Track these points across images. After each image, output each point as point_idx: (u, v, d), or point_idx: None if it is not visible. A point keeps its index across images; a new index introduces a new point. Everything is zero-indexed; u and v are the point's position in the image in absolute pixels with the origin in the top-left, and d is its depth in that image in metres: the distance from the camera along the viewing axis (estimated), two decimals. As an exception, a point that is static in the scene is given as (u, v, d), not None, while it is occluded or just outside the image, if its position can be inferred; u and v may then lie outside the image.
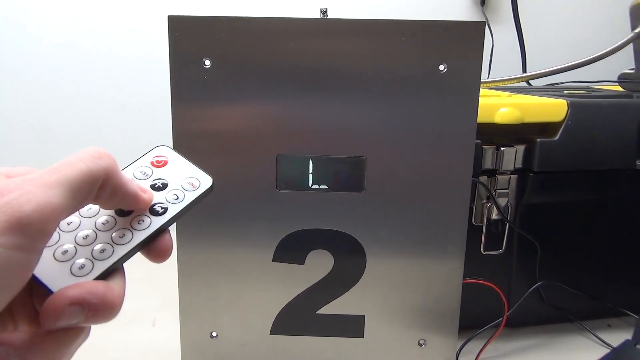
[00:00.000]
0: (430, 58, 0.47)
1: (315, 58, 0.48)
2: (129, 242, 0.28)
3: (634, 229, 0.66)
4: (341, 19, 0.47)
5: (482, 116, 0.56)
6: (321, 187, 0.51)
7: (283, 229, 0.52)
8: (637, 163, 0.59)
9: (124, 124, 1.00)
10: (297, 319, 0.54)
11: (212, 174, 0.49)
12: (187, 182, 0.32)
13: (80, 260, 0.27)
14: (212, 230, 0.52)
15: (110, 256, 0.27)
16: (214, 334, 0.55)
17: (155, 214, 0.30)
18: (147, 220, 0.29)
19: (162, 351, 0.61)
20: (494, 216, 0.59)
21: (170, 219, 0.30)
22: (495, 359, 0.61)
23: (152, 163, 0.33)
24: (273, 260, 0.53)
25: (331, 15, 0.52)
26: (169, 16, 0.47)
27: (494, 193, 0.59)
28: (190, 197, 0.31)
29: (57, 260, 0.26)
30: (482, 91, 0.71)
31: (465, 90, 0.48)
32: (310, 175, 0.51)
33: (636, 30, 0.70)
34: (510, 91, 0.73)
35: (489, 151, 0.58)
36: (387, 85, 0.48)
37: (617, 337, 0.61)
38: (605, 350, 0.61)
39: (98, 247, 0.27)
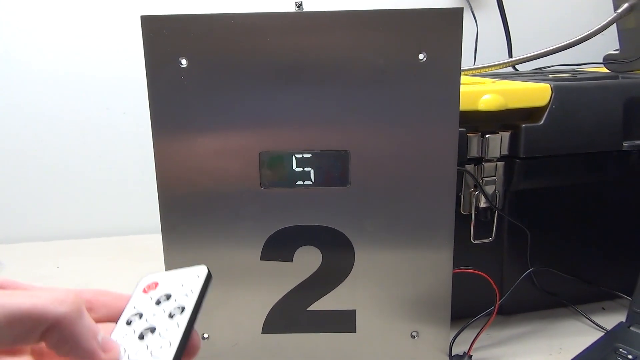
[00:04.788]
0: (409, 47, 0.47)
1: (292, 52, 0.47)
2: (169, 346, 0.28)
3: (623, 210, 0.65)
4: (317, 12, 0.47)
5: (466, 104, 0.55)
6: (306, 182, 0.50)
7: (269, 226, 0.52)
8: (624, 144, 0.59)
9: (109, 128, 0.99)
10: (288, 316, 0.54)
11: (202, 173, 0.49)
12: (186, 279, 0.32)
13: None
14: (198, 231, 0.52)
15: None
16: (206, 335, 0.55)
17: (173, 316, 0.30)
18: (172, 324, 0.29)
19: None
20: (482, 204, 0.59)
21: (192, 312, 0.30)
22: (489, 347, 0.61)
23: (144, 291, 0.33)
24: (261, 259, 0.52)
25: (307, 8, 0.51)
26: (142, 16, 0.46)
27: (481, 181, 0.58)
28: (197, 286, 0.31)
29: None
30: (466, 78, 0.70)
31: (446, 78, 0.48)
32: (294, 172, 0.50)
33: (618, 11, 0.69)
34: (496, 77, 0.72)
35: (474, 139, 0.57)
36: (367, 77, 0.48)
37: (612, 320, 0.60)
38: (599, 334, 0.61)
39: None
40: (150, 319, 0.30)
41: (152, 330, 0.29)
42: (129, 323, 0.30)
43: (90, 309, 0.30)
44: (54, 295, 0.26)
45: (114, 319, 0.31)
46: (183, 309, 0.30)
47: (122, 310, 0.31)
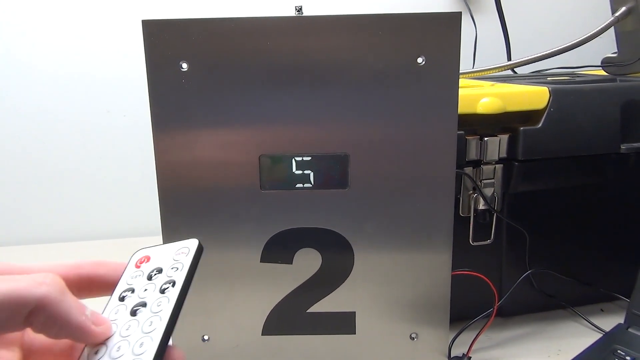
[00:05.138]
0: (408, 51, 0.47)
1: (292, 56, 0.47)
2: (159, 325, 0.28)
3: (622, 212, 0.66)
4: (317, 16, 0.47)
5: (465, 107, 0.56)
6: (305, 185, 0.51)
7: (269, 229, 0.52)
8: (622, 147, 0.59)
9: (110, 130, 0.99)
10: (288, 318, 0.54)
11: (202, 176, 0.50)
12: (177, 254, 0.32)
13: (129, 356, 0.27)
14: (198, 234, 0.52)
15: (147, 350, 0.27)
16: (206, 337, 0.55)
17: (164, 291, 0.30)
18: (162, 299, 0.29)
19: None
20: (481, 207, 0.59)
21: (182, 287, 0.30)
22: (488, 349, 0.61)
23: (137, 266, 0.33)
24: (261, 261, 0.53)
25: (306, 12, 0.51)
26: (143, 20, 0.47)
27: (479, 184, 0.59)
28: (187, 260, 0.31)
29: None
30: (465, 81, 0.71)
31: (445, 81, 0.48)
32: (294, 174, 0.51)
33: (616, 14, 0.70)
34: (494, 80, 0.73)
35: (472, 142, 0.58)
36: (366, 81, 0.48)
37: (610, 322, 0.61)
38: (598, 335, 0.61)
39: (137, 344, 0.27)
40: (142, 294, 0.30)
41: (144, 305, 0.29)
42: (121, 299, 0.31)
43: (90, 282, 0.31)
44: (32, 277, 0.26)
45: (110, 289, 0.31)
46: (174, 283, 0.30)
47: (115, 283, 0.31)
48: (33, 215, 1.02)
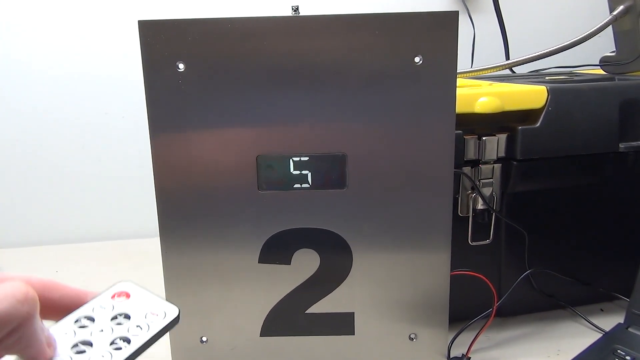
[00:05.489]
0: (405, 50, 0.47)
1: (289, 56, 0.47)
2: None
3: (620, 211, 0.66)
4: (313, 16, 0.47)
5: (463, 106, 0.56)
6: (303, 185, 0.51)
7: (267, 229, 0.52)
8: (620, 146, 0.59)
9: (108, 132, 0.99)
10: (287, 319, 0.54)
11: (200, 177, 0.49)
12: (151, 314, 0.30)
13: None
14: (196, 234, 0.52)
15: None
16: (204, 338, 0.55)
17: (117, 348, 0.28)
18: (107, 356, 0.27)
19: (153, 358, 0.61)
20: (480, 206, 0.59)
21: (134, 351, 0.28)
22: (488, 349, 0.61)
23: (113, 298, 0.31)
24: (259, 262, 0.52)
25: (303, 12, 0.51)
26: (139, 21, 0.47)
27: (478, 183, 0.58)
28: (155, 327, 0.30)
29: None
30: (463, 81, 0.70)
31: (442, 80, 0.48)
32: (292, 175, 0.50)
33: (614, 13, 0.70)
34: (493, 80, 0.73)
35: (471, 141, 0.57)
36: (364, 80, 0.48)
37: (610, 322, 0.60)
38: (598, 335, 0.61)
39: None
40: (95, 332, 0.29)
41: (90, 346, 0.28)
42: (77, 321, 0.29)
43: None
44: (14, 294, 0.24)
45: (57, 317, 0.29)
46: (129, 341, 0.28)
47: (67, 312, 0.29)
48: (32, 217, 1.02)
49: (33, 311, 0.24)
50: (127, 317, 0.30)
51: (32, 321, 0.25)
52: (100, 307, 0.30)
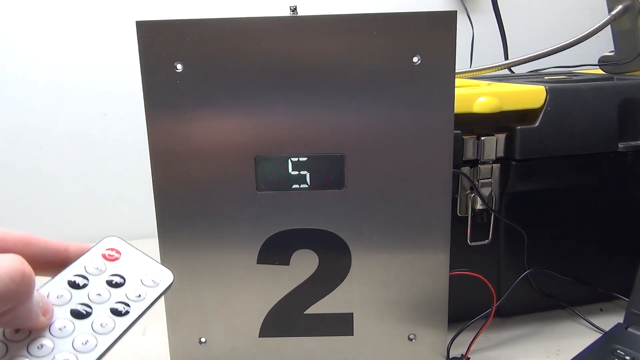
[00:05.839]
0: (404, 50, 0.47)
1: (287, 56, 0.47)
2: (93, 349, 0.25)
3: (620, 211, 0.65)
4: (311, 16, 0.47)
5: (461, 106, 0.56)
6: (301, 186, 0.51)
7: (266, 230, 0.52)
8: (619, 145, 0.59)
9: (107, 133, 0.99)
10: (286, 320, 0.54)
11: (198, 178, 0.49)
12: (147, 278, 0.30)
13: None
14: (194, 235, 0.52)
15: None
16: (203, 339, 0.55)
17: (118, 314, 0.27)
18: (110, 322, 0.27)
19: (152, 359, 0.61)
20: (479, 206, 0.59)
21: (135, 320, 0.28)
22: (487, 349, 0.61)
23: (104, 256, 0.30)
24: (258, 263, 0.52)
25: (301, 12, 0.51)
26: (137, 22, 0.47)
27: (477, 183, 0.58)
28: (152, 295, 0.29)
29: None
30: (462, 81, 0.70)
31: (441, 80, 0.48)
32: (290, 175, 0.50)
33: (613, 13, 0.70)
34: (492, 80, 0.73)
35: (469, 141, 0.57)
36: (362, 80, 0.48)
37: (610, 321, 0.60)
38: (597, 335, 0.61)
39: (60, 357, 0.25)
40: (93, 296, 0.28)
41: (88, 314, 0.27)
42: (70, 284, 0.28)
43: None
44: (10, 274, 0.23)
45: (39, 271, 0.27)
46: (128, 312, 0.28)
47: (48, 266, 0.28)
48: (30, 218, 1.02)
49: (29, 291, 0.24)
50: (122, 278, 0.29)
51: (28, 299, 0.24)
52: (92, 267, 0.29)
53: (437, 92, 0.48)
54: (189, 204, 0.51)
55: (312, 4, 0.92)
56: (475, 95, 0.56)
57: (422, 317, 0.54)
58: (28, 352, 0.24)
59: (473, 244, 0.61)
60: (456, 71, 0.48)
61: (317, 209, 0.51)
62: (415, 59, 0.47)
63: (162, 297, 0.30)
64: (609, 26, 0.72)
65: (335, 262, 0.52)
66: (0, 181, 0.99)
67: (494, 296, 0.57)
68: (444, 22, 0.47)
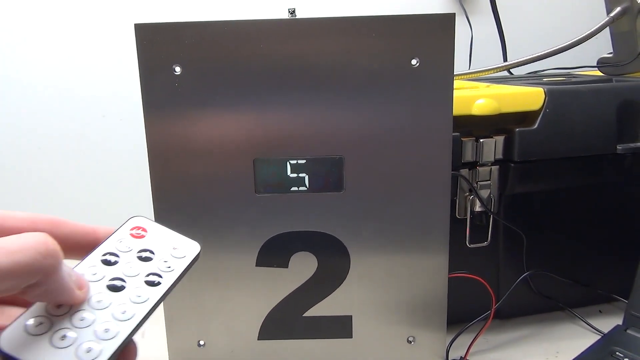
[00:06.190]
0: (402, 53, 0.47)
1: (286, 59, 0.47)
2: (132, 317, 0.27)
3: (618, 213, 0.65)
4: (310, 19, 0.47)
5: (460, 108, 0.56)
6: (300, 188, 0.50)
7: (264, 233, 0.52)
8: (618, 147, 0.59)
9: (106, 134, 0.99)
10: (284, 322, 0.54)
11: (196, 180, 0.49)
12: (175, 250, 0.31)
13: (86, 345, 0.25)
14: (193, 238, 0.51)
15: (115, 335, 0.26)
16: (202, 342, 0.54)
17: (151, 284, 0.28)
18: (145, 293, 0.28)
19: (151, 362, 0.61)
20: (478, 208, 0.59)
21: (167, 290, 0.29)
22: (486, 351, 0.61)
23: (132, 235, 0.31)
24: (256, 265, 0.52)
25: (299, 15, 0.51)
26: (135, 24, 0.47)
27: (475, 185, 0.58)
28: (181, 265, 0.30)
29: (56, 347, 0.24)
30: (460, 83, 0.70)
31: (439, 83, 0.48)
32: (289, 178, 0.50)
33: (611, 14, 0.70)
34: (490, 81, 0.73)
35: (468, 143, 0.57)
36: (360, 83, 0.48)
37: (609, 323, 0.60)
38: (596, 337, 0.61)
39: (101, 327, 0.26)
40: (126, 270, 0.29)
41: (122, 287, 0.28)
42: (103, 262, 0.29)
43: None
44: (36, 247, 0.23)
45: (69, 254, 0.28)
46: (159, 283, 0.29)
47: (79, 249, 0.29)
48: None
49: (56, 264, 0.24)
50: (151, 252, 0.30)
51: (57, 273, 0.24)
52: (122, 245, 0.30)
53: (436, 95, 0.48)
54: (188, 206, 0.51)
55: (311, 6, 0.93)
56: (474, 98, 0.56)
57: (421, 319, 0.54)
58: (72, 324, 0.25)
59: (472, 246, 0.61)
60: (455, 73, 0.48)
61: (316, 212, 0.51)
62: (413, 62, 0.47)
63: (189, 270, 0.31)
64: (607, 28, 0.72)
65: (334, 265, 0.52)
66: (-1, 183, 0.99)
67: (493, 298, 0.57)
68: (443, 25, 0.47)
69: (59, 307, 0.26)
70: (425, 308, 0.54)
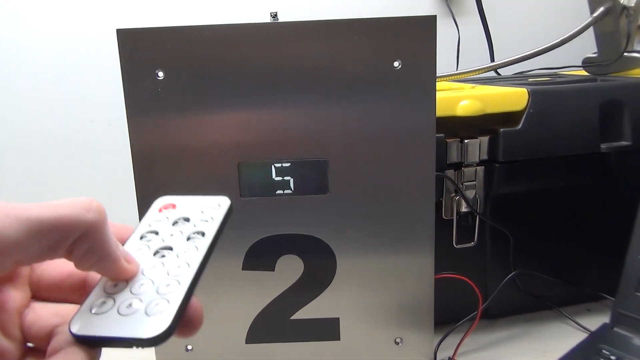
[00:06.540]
0: (384, 55, 0.47)
1: (269, 62, 0.47)
2: (188, 268, 0.27)
3: (604, 211, 0.66)
4: (292, 22, 0.47)
5: (444, 109, 0.56)
6: (285, 191, 0.51)
7: (250, 236, 0.52)
8: (602, 146, 0.60)
9: (95, 140, 0.99)
10: (272, 326, 0.54)
11: (181, 185, 0.49)
12: (207, 208, 0.31)
13: (154, 302, 0.25)
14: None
15: (178, 285, 0.26)
16: (189, 347, 0.54)
17: (197, 238, 0.29)
18: (192, 247, 0.28)
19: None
20: (464, 209, 0.59)
21: (212, 240, 0.29)
22: (475, 351, 0.61)
23: (159, 210, 0.31)
24: (243, 269, 0.52)
25: (282, 18, 0.51)
26: (117, 29, 0.47)
27: (461, 186, 0.59)
28: (218, 215, 0.30)
29: (125, 315, 0.25)
30: (446, 84, 0.71)
31: (422, 84, 0.48)
32: (274, 181, 0.50)
33: (594, 15, 0.70)
34: (477, 82, 0.73)
35: (453, 144, 0.58)
36: (344, 86, 0.48)
37: (597, 322, 0.60)
38: (584, 335, 0.61)
39: (162, 284, 0.26)
40: (167, 238, 0.29)
41: (169, 249, 0.28)
42: (142, 238, 0.29)
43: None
44: (78, 202, 0.24)
45: None
46: (203, 233, 0.29)
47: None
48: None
49: (100, 218, 0.24)
50: (187, 219, 0.30)
51: (101, 230, 0.25)
52: (155, 221, 0.30)
53: (419, 96, 0.48)
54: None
55: (293, 10, 0.93)
56: (458, 99, 0.57)
57: (409, 320, 0.54)
58: (133, 294, 0.26)
59: (459, 246, 0.61)
60: (442, 74, 0.49)
61: (301, 215, 0.51)
62: (396, 64, 0.47)
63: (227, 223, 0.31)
64: (592, 28, 0.73)
65: (320, 267, 0.52)
66: (-13, 190, 0.99)
67: (480, 298, 0.57)
68: (424, 27, 0.47)
69: (116, 286, 0.26)
70: (412, 309, 0.54)
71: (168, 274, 0.27)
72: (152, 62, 0.47)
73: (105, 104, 0.97)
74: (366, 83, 0.48)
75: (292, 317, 0.53)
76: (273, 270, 0.52)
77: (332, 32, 0.47)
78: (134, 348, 0.24)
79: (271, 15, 0.52)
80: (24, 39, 0.94)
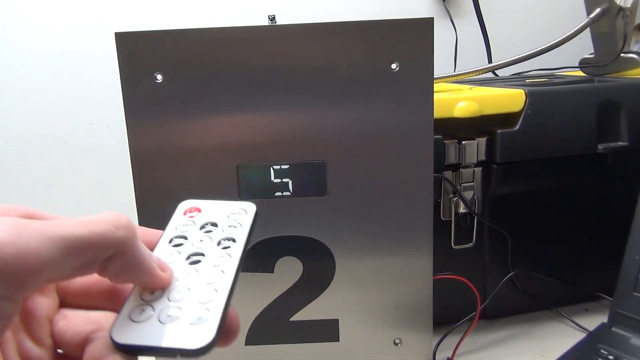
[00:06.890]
0: (382, 57, 0.47)
1: (267, 65, 0.48)
2: (223, 275, 0.27)
3: (601, 212, 0.66)
4: (290, 25, 0.47)
5: (442, 111, 0.56)
6: (284, 193, 0.51)
7: (249, 238, 0.52)
8: (599, 147, 0.60)
9: (93, 143, 0.99)
10: (271, 327, 0.54)
11: (180, 188, 0.49)
12: (233, 213, 0.31)
13: (195, 312, 0.25)
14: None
15: (217, 295, 0.26)
16: (189, 349, 0.54)
17: (228, 245, 0.29)
18: (225, 254, 0.28)
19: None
20: (462, 210, 0.60)
21: (244, 247, 0.29)
22: (473, 351, 0.61)
23: (189, 217, 0.31)
24: (242, 271, 0.52)
25: (279, 21, 0.51)
26: (116, 33, 0.47)
27: (459, 187, 0.59)
28: (246, 221, 0.30)
29: (166, 323, 0.25)
30: (444, 86, 0.71)
31: (419, 86, 0.48)
32: (273, 183, 0.50)
33: (591, 16, 0.71)
34: (475, 84, 0.73)
35: (451, 146, 0.58)
36: (341, 88, 0.48)
37: (595, 321, 0.61)
38: (582, 335, 0.61)
39: (200, 293, 0.26)
40: (197, 244, 0.29)
41: (202, 255, 0.28)
42: (171, 242, 0.29)
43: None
44: (108, 219, 0.24)
45: None
46: (234, 240, 0.28)
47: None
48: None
49: (130, 235, 0.24)
50: (214, 224, 0.30)
51: (133, 246, 0.25)
52: (182, 225, 0.30)
53: (416, 98, 0.48)
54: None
55: (291, 12, 0.93)
56: (455, 100, 0.57)
57: (408, 321, 0.54)
58: (171, 302, 0.26)
59: (457, 247, 0.61)
60: (439, 76, 0.49)
61: (300, 216, 0.51)
62: (393, 66, 0.48)
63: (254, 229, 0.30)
64: (589, 29, 0.73)
65: (319, 269, 0.52)
66: (-14, 193, 0.99)
67: (478, 299, 0.57)
68: (422, 29, 0.47)
69: (153, 294, 0.26)
70: (411, 310, 0.54)
71: (205, 281, 0.26)
72: (151, 65, 0.47)
73: (104, 106, 0.98)
74: (364, 85, 0.48)
75: (292, 319, 0.54)
76: (272, 272, 0.52)
77: (330, 35, 0.47)
78: (178, 357, 0.24)
79: (269, 18, 0.52)
80: (23, 42, 0.94)
